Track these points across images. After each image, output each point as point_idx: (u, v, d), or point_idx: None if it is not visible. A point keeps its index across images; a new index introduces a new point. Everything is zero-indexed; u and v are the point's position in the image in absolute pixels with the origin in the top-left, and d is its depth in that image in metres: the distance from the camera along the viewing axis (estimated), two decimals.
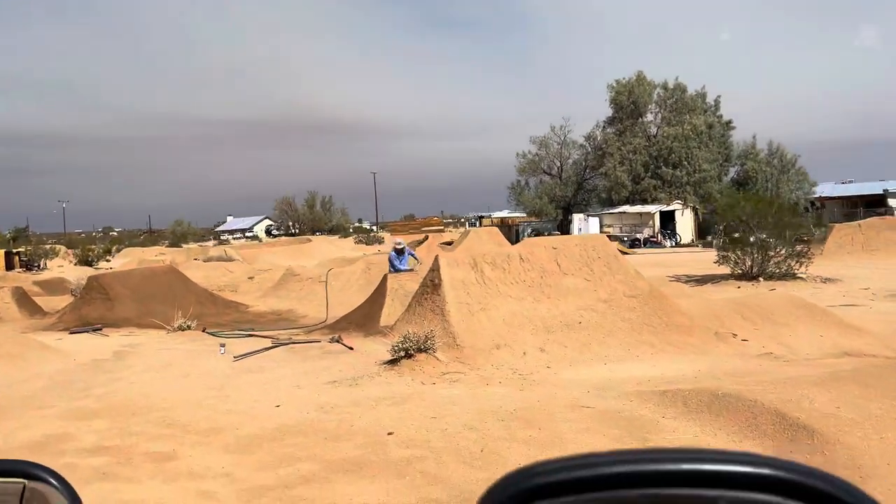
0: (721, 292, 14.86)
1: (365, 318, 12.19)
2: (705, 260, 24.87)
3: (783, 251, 15.60)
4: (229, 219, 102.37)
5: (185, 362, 9.97)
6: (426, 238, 25.77)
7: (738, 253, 16.12)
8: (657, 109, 41.80)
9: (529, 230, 42.99)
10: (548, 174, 45.49)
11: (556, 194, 43.68)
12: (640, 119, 41.50)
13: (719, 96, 42.00)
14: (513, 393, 7.23)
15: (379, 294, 12.62)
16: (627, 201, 39.91)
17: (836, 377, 6.16)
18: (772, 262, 15.68)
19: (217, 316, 16.18)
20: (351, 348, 10.36)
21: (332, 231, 71.33)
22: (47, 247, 41.55)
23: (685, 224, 38.39)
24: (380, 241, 51.59)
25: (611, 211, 39.80)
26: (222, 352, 10.55)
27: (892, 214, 30.84)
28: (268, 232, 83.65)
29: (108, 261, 38.91)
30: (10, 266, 34.15)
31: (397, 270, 14.13)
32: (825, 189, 46.58)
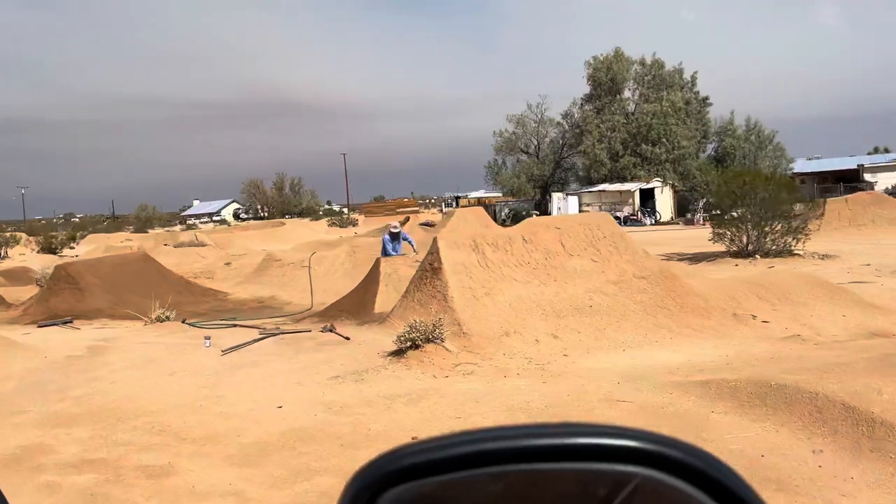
0: (720, 271, 14.48)
1: (357, 306, 11.53)
2: (691, 237, 24.62)
3: (779, 227, 15.26)
4: (195, 203, 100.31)
5: (169, 358, 9.22)
6: (407, 219, 25.08)
7: (734, 230, 15.76)
8: (635, 86, 41.37)
9: (507, 210, 42.47)
10: (525, 153, 44.92)
11: (534, 173, 43.16)
12: (619, 96, 41.01)
13: (696, 72, 41.76)
14: (537, 386, 6.67)
15: (372, 279, 11.95)
16: (606, 179, 39.54)
17: (890, 363, 5.70)
18: (768, 239, 15.34)
19: (195, 305, 15.36)
20: (347, 338, 9.70)
21: (301, 214, 70.04)
22: (7, 234, 39.82)
23: (664, 202, 38.19)
24: (354, 223, 50.65)
25: (590, 189, 39.41)
26: (208, 345, 9.81)
27: (872, 189, 30.92)
28: (236, 216, 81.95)
29: (72, 248, 37.46)
30: None
31: (388, 255, 13.47)
32: (797, 165, 46.74)
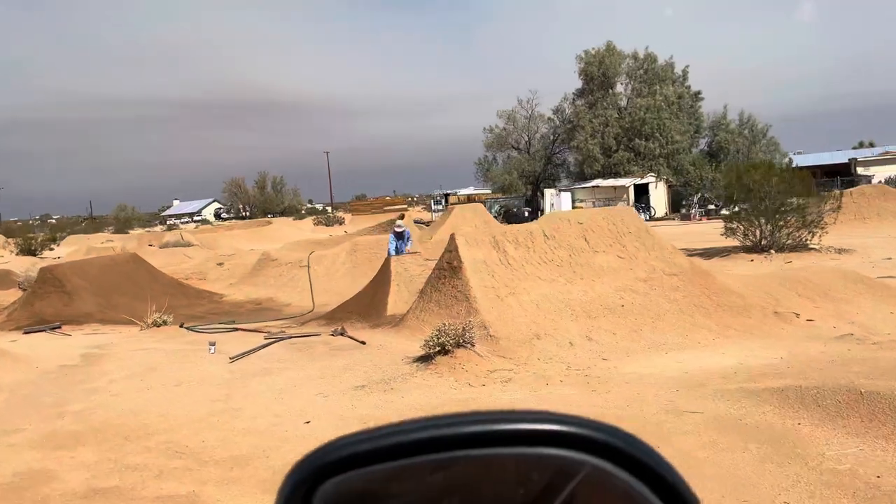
0: (736, 266, 14.04)
1: (368, 307, 10.91)
2: (692, 232, 24.24)
3: (794, 221, 14.84)
4: (175, 202, 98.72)
5: (172, 366, 8.55)
6: (402, 217, 24.44)
7: (747, 224, 15.31)
8: (627, 80, 40.95)
9: (497, 207, 41.92)
10: (516, 149, 44.37)
11: (525, 169, 42.64)
12: (611, 91, 40.57)
13: (687, 66, 41.39)
14: (586, 395, 6.11)
15: (382, 279, 11.33)
16: (600, 175, 39.09)
17: None
18: (783, 233, 14.91)
19: (190, 307, 14.64)
20: (363, 342, 9.09)
21: (283, 213, 69.02)
22: None
23: (659, 197, 37.83)
24: (340, 221, 49.79)
25: (584, 185, 38.94)
26: (212, 351, 9.16)
27: (870, 182, 30.78)
28: (217, 215, 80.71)
29: (52, 249, 36.36)
30: None
31: (393, 255, 12.86)
32: (786, 160, 46.63)
